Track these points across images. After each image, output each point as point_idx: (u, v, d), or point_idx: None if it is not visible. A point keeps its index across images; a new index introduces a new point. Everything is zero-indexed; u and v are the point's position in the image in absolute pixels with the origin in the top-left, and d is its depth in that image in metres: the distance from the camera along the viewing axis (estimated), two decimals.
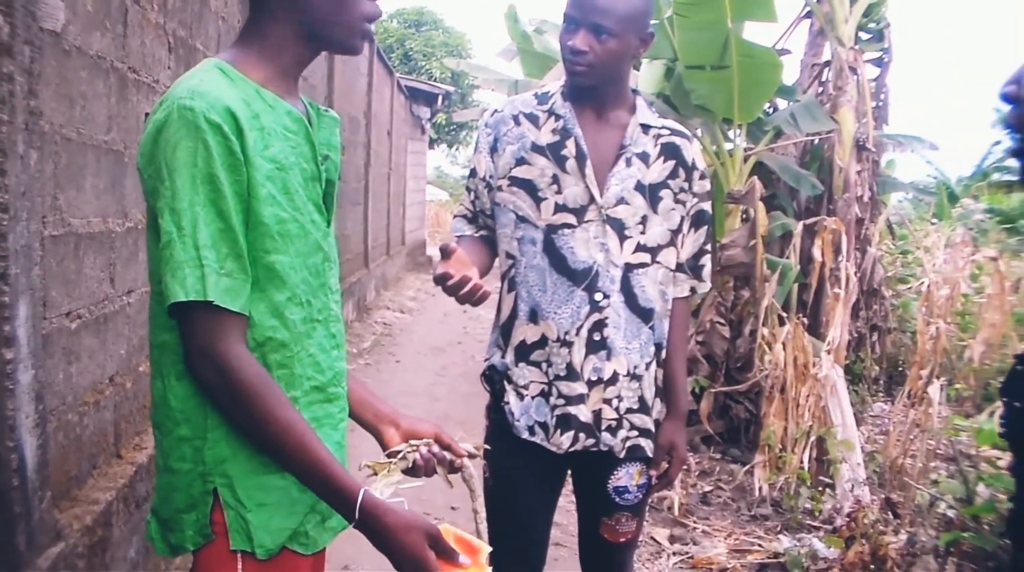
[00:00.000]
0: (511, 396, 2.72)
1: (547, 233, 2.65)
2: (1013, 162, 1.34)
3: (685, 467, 5.79)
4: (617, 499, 2.77)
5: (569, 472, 2.88)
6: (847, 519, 4.77)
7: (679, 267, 2.78)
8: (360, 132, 12.65)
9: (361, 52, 1.95)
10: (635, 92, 2.78)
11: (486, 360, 2.85)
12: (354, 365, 9.53)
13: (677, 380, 2.84)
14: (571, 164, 2.64)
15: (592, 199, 2.62)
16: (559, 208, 2.64)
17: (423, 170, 25.43)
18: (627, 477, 2.75)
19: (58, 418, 3.12)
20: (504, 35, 11.05)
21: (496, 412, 2.80)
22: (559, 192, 2.64)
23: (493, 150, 2.74)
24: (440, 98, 22.66)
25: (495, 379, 2.79)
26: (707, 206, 2.80)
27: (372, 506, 1.72)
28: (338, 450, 1.94)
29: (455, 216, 2.89)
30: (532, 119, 2.71)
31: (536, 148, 2.67)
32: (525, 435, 2.71)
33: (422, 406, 7.69)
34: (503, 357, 2.76)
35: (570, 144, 2.65)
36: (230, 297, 1.66)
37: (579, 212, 2.63)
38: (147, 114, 3.89)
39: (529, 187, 2.66)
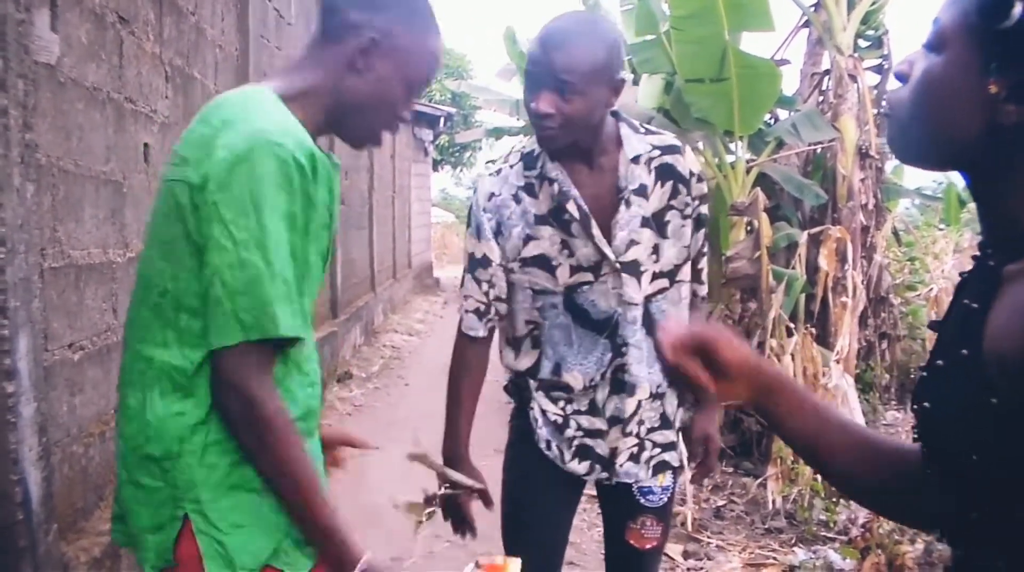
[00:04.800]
0: (536, 404, 2.69)
1: (567, 294, 2.59)
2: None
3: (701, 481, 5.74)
4: (642, 500, 2.72)
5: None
6: (862, 529, 4.73)
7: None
8: (363, 156, 12.64)
9: (361, 151, 1.99)
10: (615, 115, 2.63)
11: (511, 374, 2.78)
12: (363, 389, 9.51)
13: None
14: (576, 227, 2.55)
15: (604, 255, 2.55)
16: (575, 270, 2.57)
17: (428, 192, 25.47)
18: (651, 478, 2.73)
19: (63, 450, 3.11)
20: (503, 55, 11.08)
21: (519, 418, 2.76)
22: (571, 255, 2.56)
23: (498, 234, 2.62)
24: (442, 120, 22.65)
25: (521, 385, 2.74)
26: (705, 209, 2.72)
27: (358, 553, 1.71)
28: None
29: (466, 312, 2.71)
30: (529, 190, 2.61)
31: (540, 219, 2.58)
32: (542, 445, 2.68)
33: (433, 428, 7.58)
34: (526, 376, 2.71)
35: (570, 207, 2.54)
36: (306, 329, 1.70)
37: (594, 269, 2.56)
38: (146, 144, 3.90)
39: (542, 262, 2.59)
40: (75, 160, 3.23)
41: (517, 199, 2.61)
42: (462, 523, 2.72)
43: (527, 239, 2.58)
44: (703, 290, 2.81)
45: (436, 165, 29.42)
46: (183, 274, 1.73)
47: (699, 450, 2.82)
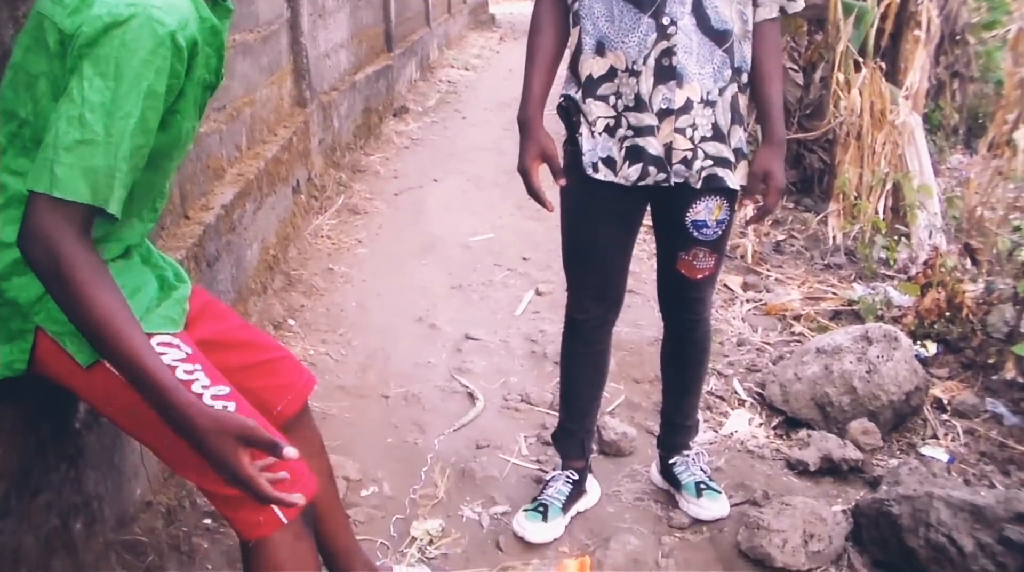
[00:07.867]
0: (584, 128, 2.65)
1: None
2: None
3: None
4: (695, 233, 2.71)
5: (648, 208, 2.81)
6: (924, 266, 4.70)
7: None
8: None
9: None
10: None
11: (561, 94, 2.75)
12: (419, 123, 9.46)
13: (772, 105, 2.69)
14: None
15: None
16: None
17: None
18: (706, 211, 2.67)
19: None
20: None
21: (572, 144, 2.72)
22: None
23: None
24: None
25: (570, 111, 2.70)
26: None
27: (185, 405, 1.66)
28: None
29: None
30: None
31: None
32: (589, 171, 2.65)
33: (490, 160, 7.62)
34: (576, 91, 2.66)
35: None
36: (119, 206, 1.66)
37: None
38: None
39: None
40: None
41: None
42: (535, 197, 2.76)
43: None
44: (794, 6, 2.69)
45: None
46: (43, 110, 1.71)
47: (759, 187, 2.74)
